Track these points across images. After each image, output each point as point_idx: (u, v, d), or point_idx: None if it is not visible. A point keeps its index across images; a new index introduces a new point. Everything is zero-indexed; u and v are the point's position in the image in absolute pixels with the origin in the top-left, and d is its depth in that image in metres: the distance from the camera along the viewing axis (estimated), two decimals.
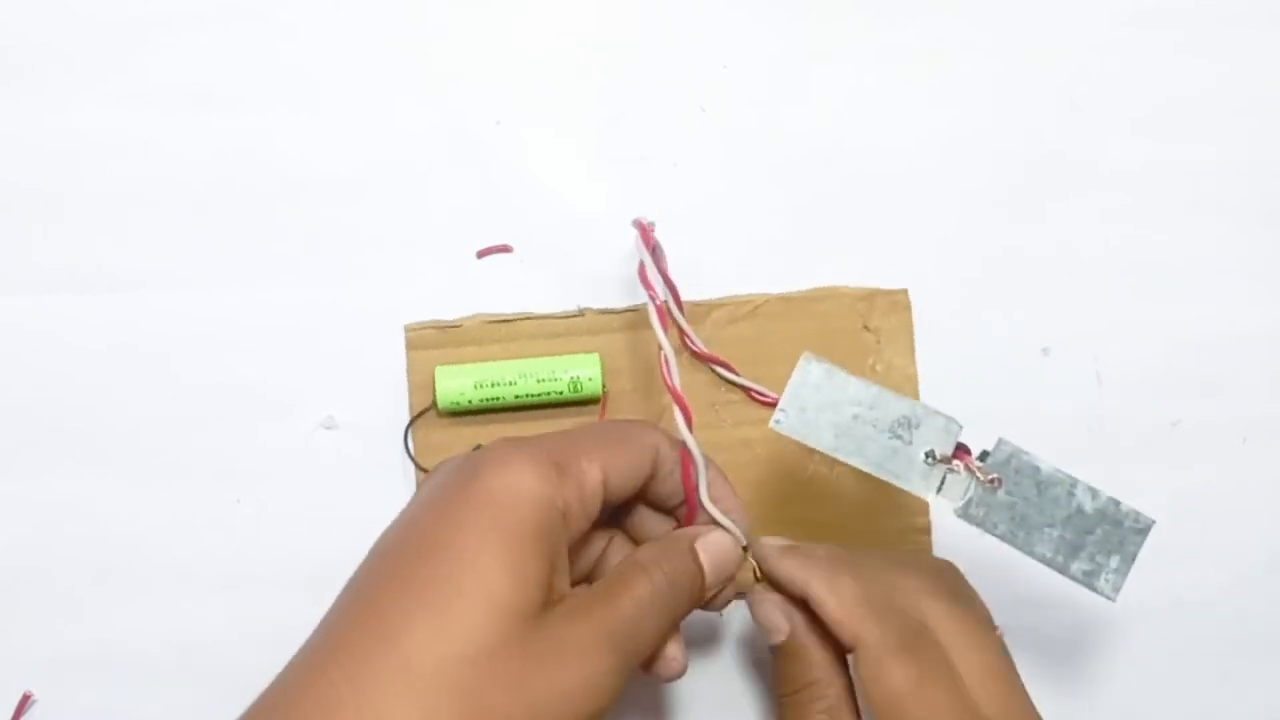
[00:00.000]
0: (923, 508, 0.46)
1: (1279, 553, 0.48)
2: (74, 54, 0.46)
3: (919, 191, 0.48)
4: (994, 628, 0.38)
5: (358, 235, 0.46)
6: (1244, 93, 0.49)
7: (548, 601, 0.33)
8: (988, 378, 0.47)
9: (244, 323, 0.45)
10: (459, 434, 0.45)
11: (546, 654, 0.32)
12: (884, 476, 0.37)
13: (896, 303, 0.46)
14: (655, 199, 0.47)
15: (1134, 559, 0.37)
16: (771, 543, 0.38)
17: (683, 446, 0.37)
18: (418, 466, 0.45)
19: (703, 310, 0.46)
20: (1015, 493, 0.37)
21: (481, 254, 0.45)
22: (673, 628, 0.37)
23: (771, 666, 0.38)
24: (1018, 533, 0.37)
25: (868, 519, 0.46)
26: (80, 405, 0.45)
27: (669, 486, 0.38)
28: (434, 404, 0.44)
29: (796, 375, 0.36)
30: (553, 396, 0.44)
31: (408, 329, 0.45)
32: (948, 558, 0.44)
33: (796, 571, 0.37)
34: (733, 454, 0.45)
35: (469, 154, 0.46)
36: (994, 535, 0.37)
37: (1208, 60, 0.49)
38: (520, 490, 0.33)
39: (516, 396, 0.44)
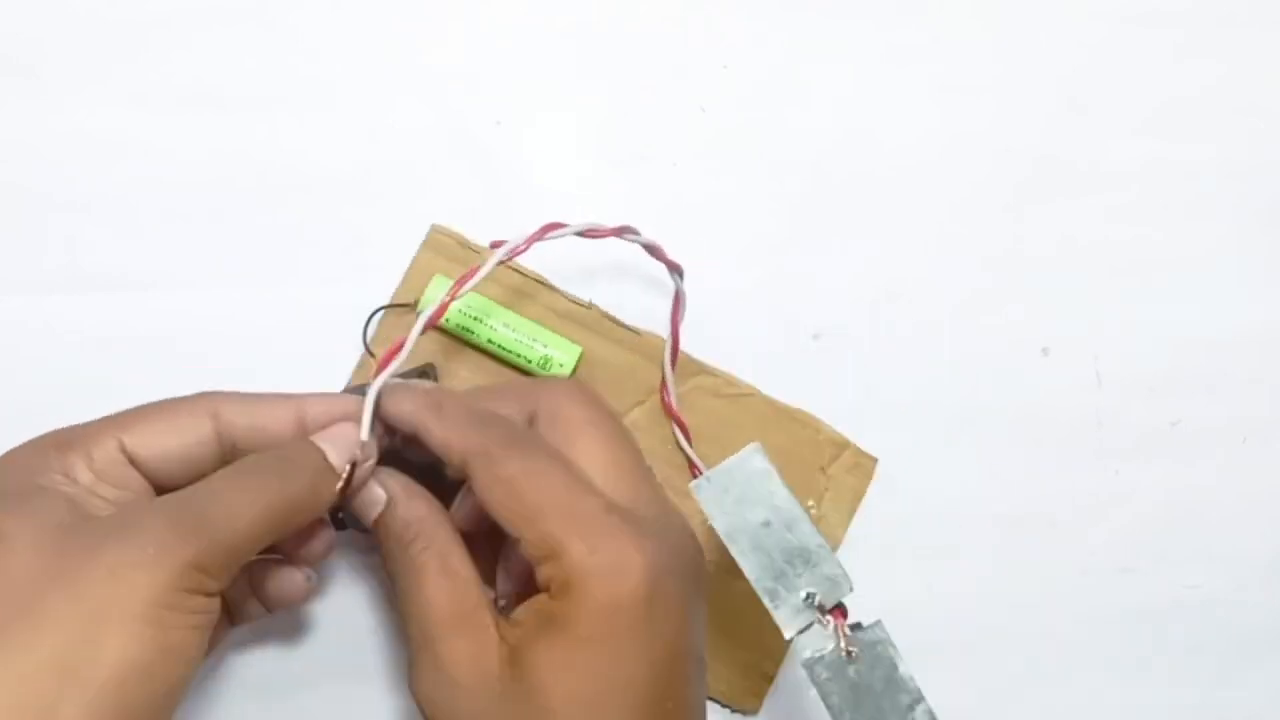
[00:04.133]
0: (776, 658, 0.45)
1: (1279, 553, 0.48)
2: (74, 54, 0.46)
3: (919, 191, 0.48)
4: (626, 431, 0.38)
5: (358, 235, 0.46)
6: (1244, 93, 0.49)
7: (90, 517, 0.33)
8: (988, 378, 0.47)
9: (244, 322, 0.45)
10: (421, 347, 0.42)
11: (87, 544, 0.32)
12: (758, 591, 0.36)
13: (860, 465, 0.45)
14: (655, 199, 0.47)
15: None
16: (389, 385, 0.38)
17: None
18: (368, 351, 0.44)
19: (692, 368, 0.45)
20: (864, 675, 0.36)
21: (494, 245, 0.45)
22: (289, 509, 0.35)
23: (380, 547, 0.37)
24: (846, 711, 0.36)
25: (726, 637, 0.44)
26: (81, 405, 0.44)
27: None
28: (415, 304, 0.44)
29: (738, 457, 0.37)
30: (519, 360, 0.44)
31: (434, 228, 0.44)
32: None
33: (404, 405, 0.37)
34: None
35: (469, 154, 0.46)
36: (824, 703, 0.36)
37: (1208, 60, 0.49)
38: (16, 463, 0.35)
39: (490, 340, 0.43)
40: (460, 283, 0.38)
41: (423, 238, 0.45)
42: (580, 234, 0.40)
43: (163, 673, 0.32)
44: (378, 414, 0.37)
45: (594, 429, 0.37)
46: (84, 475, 0.35)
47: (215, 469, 0.36)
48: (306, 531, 0.38)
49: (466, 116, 0.47)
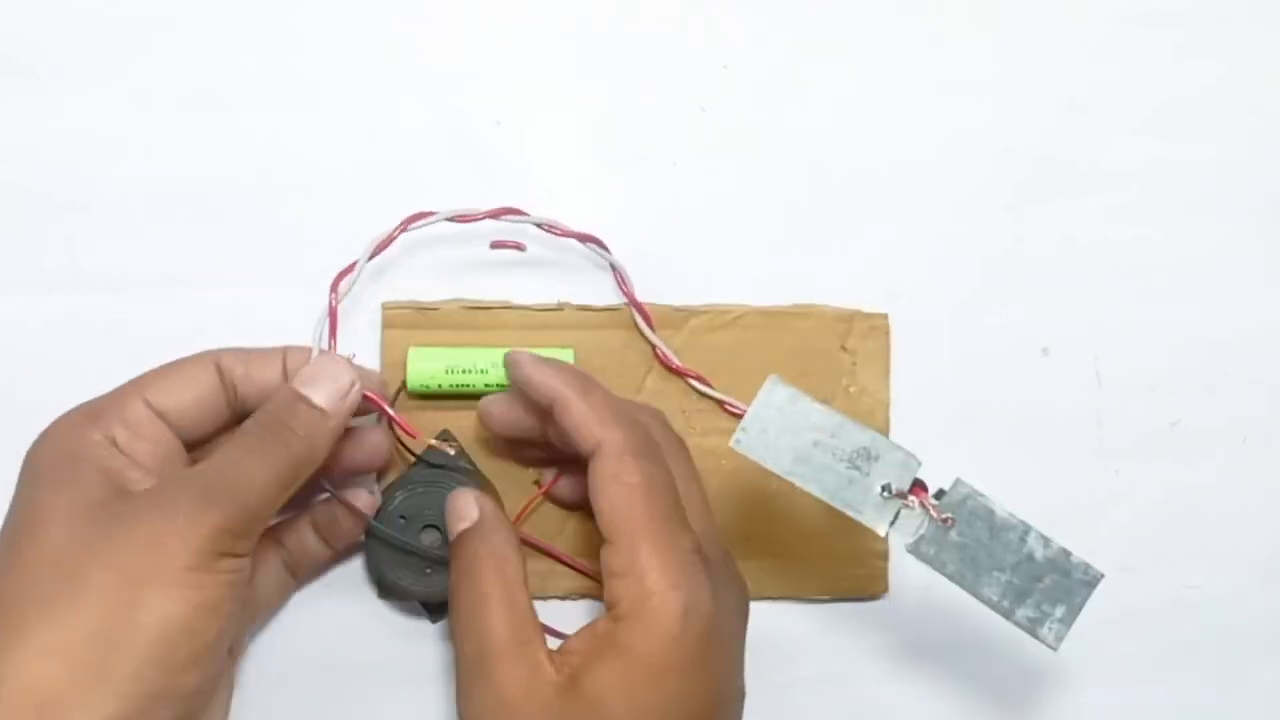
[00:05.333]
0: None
1: (1279, 553, 0.48)
2: (74, 54, 0.46)
3: (919, 191, 0.48)
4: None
5: (358, 235, 0.45)
6: (1244, 93, 0.49)
7: (124, 492, 0.36)
8: (988, 378, 0.47)
9: (245, 323, 0.45)
10: (427, 418, 0.44)
11: (123, 516, 0.34)
12: (838, 506, 0.37)
13: (875, 327, 0.46)
14: (655, 199, 0.47)
15: (1080, 610, 0.37)
16: (526, 354, 0.40)
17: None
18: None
19: (681, 317, 0.46)
20: (967, 534, 0.37)
21: (495, 245, 0.45)
22: (293, 469, 0.37)
23: (451, 559, 0.39)
24: (966, 573, 0.37)
25: (825, 541, 0.45)
26: None
27: (255, 388, 0.40)
28: (404, 385, 0.44)
29: (761, 396, 0.37)
30: None
31: (384, 307, 0.45)
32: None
33: (551, 378, 0.38)
34: (699, 463, 0.43)
35: (469, 154, 0.46)
36: (942, 574, 0.37)
37: (1208, 60, 0.49)
38: (51, 441, 0.37)
39: (487, 385, 0.44)
40: (340, 277, 0.41)
41: (416, 244, 0.45)
42: (450, 219, 0.42)
43: (201, 627, 0.34)
44: (518, 380, 0.40)
45: (676, 462, 0.39)
46: (121, 434, 0.37)
47: (226, 415, 0.40)
48: (358, 439, 0.41)
49: (466, 116, 0.47)
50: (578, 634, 0.36)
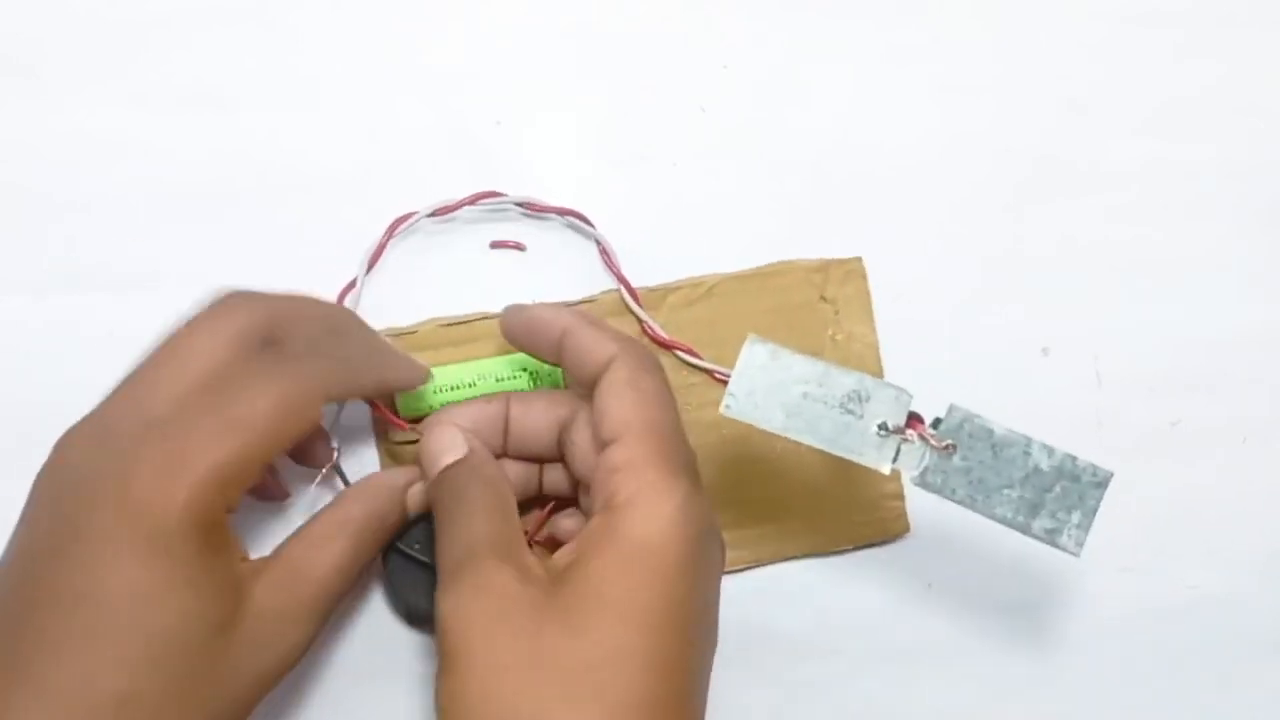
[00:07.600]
0: (894, 475, 0.45)
1: (1279, 553, 0.48)
2: (74, 54, 0.46)
3: (919, 191, 0.48)
4: None
5: (358, 235, 0.46)
6: (1244, 93, 0.49)
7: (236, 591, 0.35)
8: (988, 378, 0.47)
9: None
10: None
11: (245, 644, 0.35)
12: (838, 452, 0.37)
13: (851, 271, 0.46)
14: (655, 199, 0.47)
15: (1095, 513, 0.37)
16: (524, 304, 0.40)
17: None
18: None
19: (658, 295, 0.46)
20: (970, 457, 0.37)
21: (494, 245, 0.45)
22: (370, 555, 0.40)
23: (432, 483, 0.39)
24: (977, 496, 0.37)
25: (838, 491, 0.46)
26: (80, 407, 0.45)
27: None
28: (395, 411, 0.44)
29: (742, 358, 0.37)
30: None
31: None
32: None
33: (559, 311, 0.39)
34: (700, 437, 0.44)
35: (469, 154, 0.46)
36: (953, 500, 0.37)
37: (1208, 60, 0.49)
38: (71, 458, 0.36)
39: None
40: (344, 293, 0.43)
41: (405, 247, 0.45)
42: (431, 215, 0.42)
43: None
44: (525, 321, 0.40)
45: None
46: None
47: None
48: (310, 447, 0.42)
49: (466, 116, 0.47)
50: (564, 548, 0.36)
